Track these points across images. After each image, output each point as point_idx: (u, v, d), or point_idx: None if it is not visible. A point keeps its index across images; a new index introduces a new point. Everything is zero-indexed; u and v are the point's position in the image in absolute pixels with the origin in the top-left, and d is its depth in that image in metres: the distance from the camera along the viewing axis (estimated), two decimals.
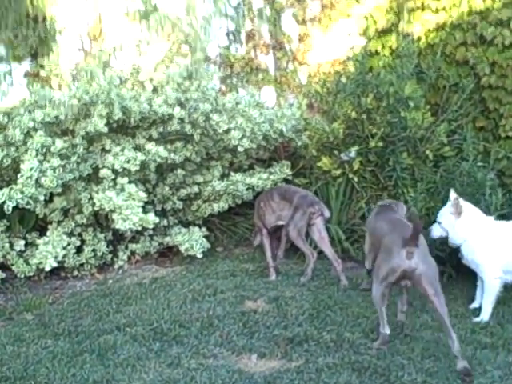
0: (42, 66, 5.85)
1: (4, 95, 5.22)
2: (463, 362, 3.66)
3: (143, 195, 5.04)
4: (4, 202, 4.74)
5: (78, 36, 5.98)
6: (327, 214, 5.08)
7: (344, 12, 6.45)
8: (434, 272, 3.75)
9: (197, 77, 5.47)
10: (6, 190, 4.77)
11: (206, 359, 3.91)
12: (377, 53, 6.07)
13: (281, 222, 5.26)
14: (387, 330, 3.93)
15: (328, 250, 5.09)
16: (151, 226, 5.06)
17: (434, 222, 4.71)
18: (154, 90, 5.43)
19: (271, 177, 5.65)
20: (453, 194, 4.58)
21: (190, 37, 5.23)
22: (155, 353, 4.02)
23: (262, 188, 5.58)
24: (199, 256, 5.44)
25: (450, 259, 4.85)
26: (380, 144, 5.56)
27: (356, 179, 5.65)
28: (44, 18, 5.74)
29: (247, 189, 5.58)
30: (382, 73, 5.68)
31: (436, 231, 4.64)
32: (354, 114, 5.62)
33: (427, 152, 5.59)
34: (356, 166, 5.62)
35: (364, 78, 5.69)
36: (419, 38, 5.90)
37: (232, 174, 5.58)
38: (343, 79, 5.79)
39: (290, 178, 5.77)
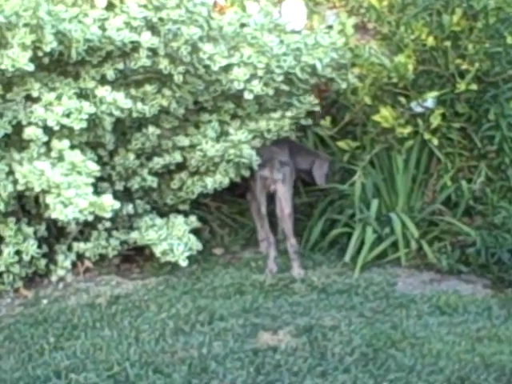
0: None
1: None
2: None
3: (94, 167, 5.08)
4: None
5: None
6: (278, 175, 5.50)
7: None
8: None
9: None
10: None
11: None
12: None
13: None
14: None
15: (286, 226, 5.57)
16: (108, 215, 5.06)
17: None
18: (110, 5, 5.43)
19: (288, 113, 5.77)
20: None
21: None
22: None
23: (278, 134, 5.77)
24: (183, 264, 5.50)
25: None
26: (474, 87, 5.65)
27: (436, 142, 5.73)
28: None
29: (254, 137, 5.70)
30: None
31: None
32: (431, 41, 5.70)
33: None
34: (436, 121, 5.69)
35: None
36: None
37: (231, 129, 5.65)
38: None
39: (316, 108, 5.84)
